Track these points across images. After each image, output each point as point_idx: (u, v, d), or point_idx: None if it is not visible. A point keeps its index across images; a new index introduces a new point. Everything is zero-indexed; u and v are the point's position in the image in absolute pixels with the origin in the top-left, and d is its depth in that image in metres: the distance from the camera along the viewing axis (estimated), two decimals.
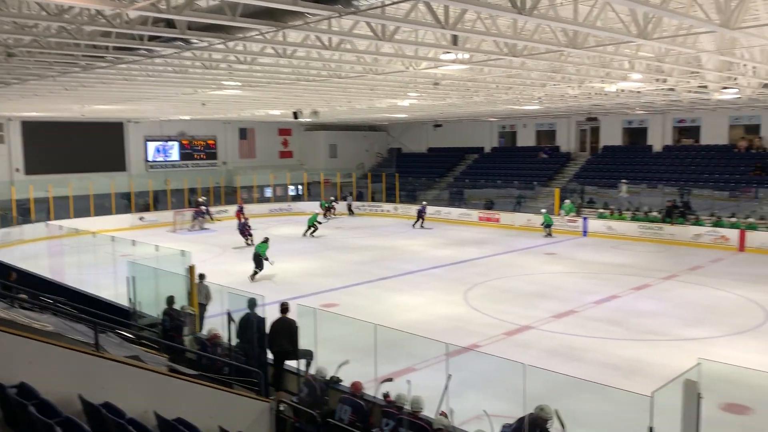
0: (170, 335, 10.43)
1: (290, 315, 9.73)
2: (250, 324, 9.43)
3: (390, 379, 8.00)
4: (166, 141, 36.56)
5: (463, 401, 7.08)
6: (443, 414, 6.38)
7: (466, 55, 12.63)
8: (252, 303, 9.51)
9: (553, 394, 9.98)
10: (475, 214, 31.95)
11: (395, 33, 10.41)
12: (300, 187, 38.70)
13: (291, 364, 9.49)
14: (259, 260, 18.63)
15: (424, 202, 31.60)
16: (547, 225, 27.16)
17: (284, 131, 41.62)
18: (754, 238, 23.13)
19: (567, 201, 29.34)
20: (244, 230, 25.12)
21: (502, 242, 25.67)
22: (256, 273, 18.56)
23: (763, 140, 28.65)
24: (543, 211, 28.04)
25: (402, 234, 28.54)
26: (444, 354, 7.97)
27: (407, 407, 7.00)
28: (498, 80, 17.59)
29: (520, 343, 12.81)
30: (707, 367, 9.69)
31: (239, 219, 28.38)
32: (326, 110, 26.83)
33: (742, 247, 23.22)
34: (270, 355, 9.48)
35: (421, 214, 30.33)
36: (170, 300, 10.88)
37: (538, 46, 11.19)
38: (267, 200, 36.76)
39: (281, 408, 7.40)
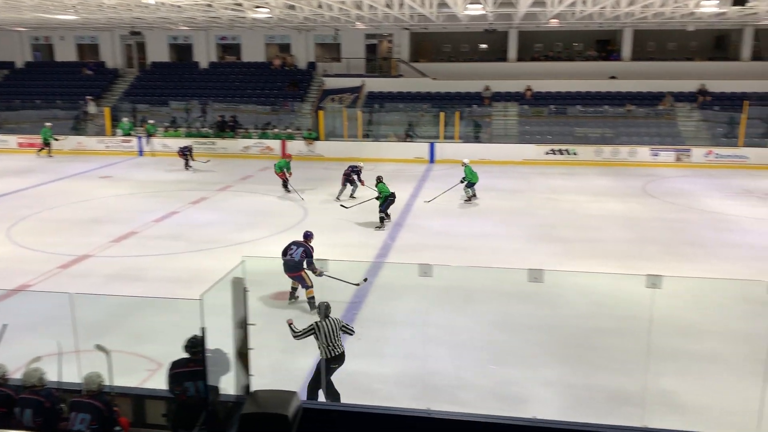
0: None
1: None
2: None
3: None
4: None
5: (17, 347, 6.36)
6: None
7: None
8: None
9: (117, 317, 9.82)
10: (13, 140, 27.90)
11: None
12: None
13: None
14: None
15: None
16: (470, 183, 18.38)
17: None
18: (293, 146, 26.26)
19: (125, 119, 28.10)
20: None
21: (50, 169, 23.18)
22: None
23: (294, 58, 32.17)
24: (465, 161, 18.88)
25: None
26: None
27: None
28: None
29: (77, 273, 12.02)
30: (257, 264, 10.78)
31: None
32: None
33: (284, 154, 26.14)
34: None
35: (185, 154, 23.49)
36: None
37: None
38: None
39: None
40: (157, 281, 11.63)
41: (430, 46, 32.98)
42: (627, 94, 27.95)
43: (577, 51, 32.09)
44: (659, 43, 30.82)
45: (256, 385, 5.73)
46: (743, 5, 15.19)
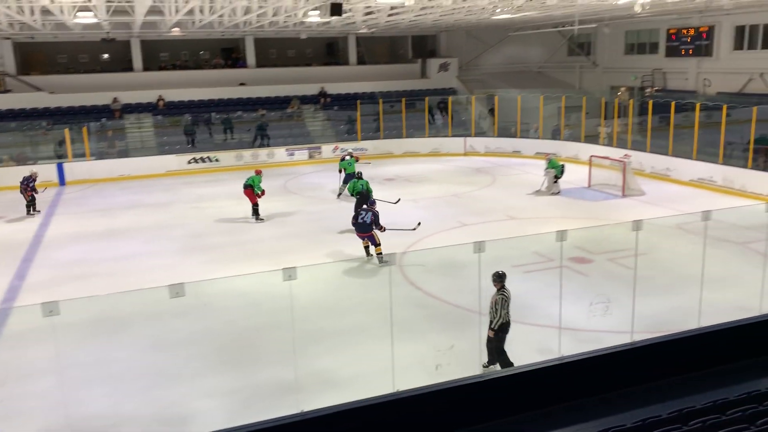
0: None
1: None
2: None
3: None
4: None
5: None
6: None
7: None
8: None
9: None
10: None
11: None
12: None
13: None
14: None
15: None
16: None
17: None
18: None
19: None
20: None
21: None
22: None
23: None
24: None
25: None
26: None
27: None
28: None
29: None
30: None
31: None
32: None
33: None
34: None
35: None
36: None
37: None
38: None
39: None
40: None
41: (42, 57, 29.51)
42: (258, 100, 29.25)
43: (204, 59, 32.31)
44: (280, 51, 32.96)
45: None
46: (340, 15, 17.12)
